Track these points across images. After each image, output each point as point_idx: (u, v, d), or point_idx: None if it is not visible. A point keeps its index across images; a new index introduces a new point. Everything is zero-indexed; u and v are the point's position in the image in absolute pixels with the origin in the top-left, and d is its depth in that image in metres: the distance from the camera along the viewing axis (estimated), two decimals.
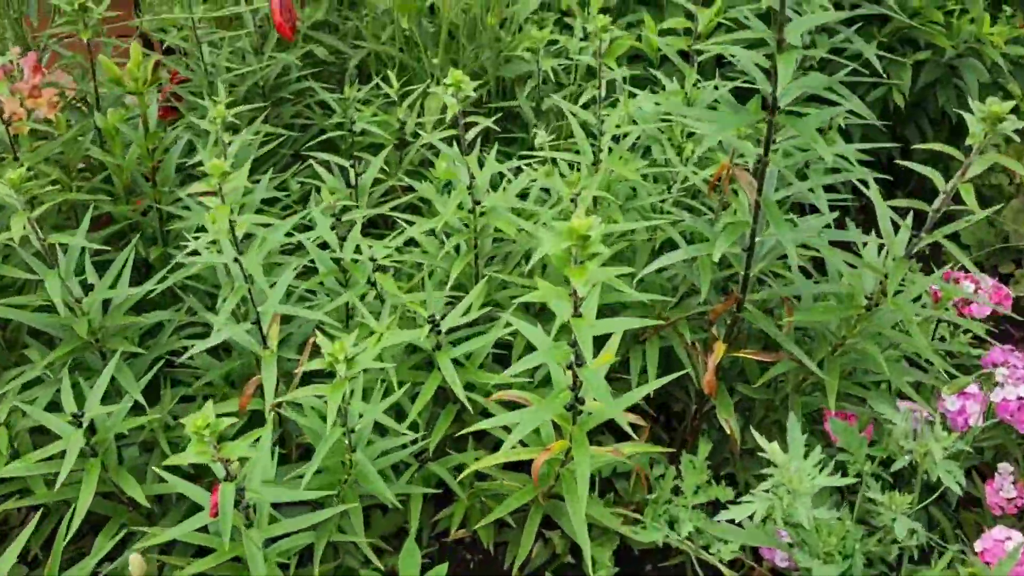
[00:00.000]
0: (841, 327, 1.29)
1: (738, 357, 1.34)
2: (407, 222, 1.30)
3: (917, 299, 1.26)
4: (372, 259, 1.22)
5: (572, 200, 1.18)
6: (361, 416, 1.10)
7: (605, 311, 1.36)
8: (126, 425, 1.18)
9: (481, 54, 1.77)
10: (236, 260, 1.08)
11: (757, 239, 1.18)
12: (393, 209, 1.51)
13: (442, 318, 1.18)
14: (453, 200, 1.22)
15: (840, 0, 1.86)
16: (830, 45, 1.61)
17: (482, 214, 1.30)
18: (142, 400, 1.21)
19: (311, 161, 1.56)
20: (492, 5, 1.72)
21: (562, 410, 1.06)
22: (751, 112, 1.03)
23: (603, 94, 1.26)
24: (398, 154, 1.69)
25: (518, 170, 1.38)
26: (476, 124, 1.27)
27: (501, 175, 1.44)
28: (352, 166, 1.45)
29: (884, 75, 1.90)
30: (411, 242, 1.41)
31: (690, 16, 1.81)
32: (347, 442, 1.08)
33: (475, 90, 1.41)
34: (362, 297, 1.26)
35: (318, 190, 1.49)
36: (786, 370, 1.29)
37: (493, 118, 1.47)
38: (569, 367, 0.98)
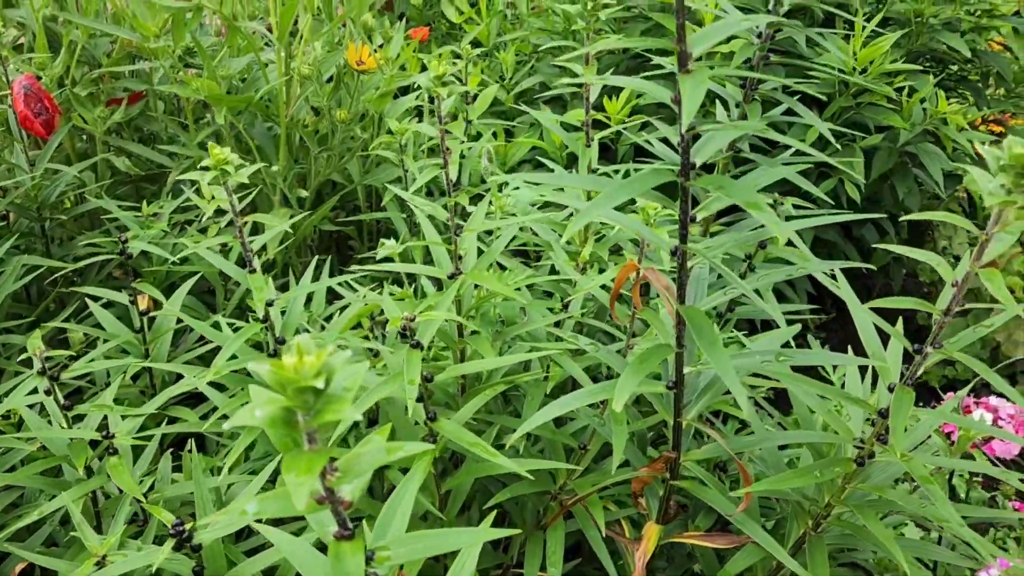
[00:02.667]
0: (822, 491, 0.88)
1: (679, 541, 0.93)
2: (179, 376, 0.88)
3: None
4: (106, 435, 0.79)
5: (403, 333, 0.78)
6: None
7: (479, 485, 0.95)
8: None
9: (334, 159, 1.41)
10: None
11: (687, 370, 0.79)
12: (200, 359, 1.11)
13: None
14: (237, 339, 0.81)
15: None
16: (767, 119, 1.25)
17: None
18: None
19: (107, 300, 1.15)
20: (343, 98, 1.38)
21: None
22: (658, 174, 0.66)
23: (457, 175, 0.89)
24: (225, 288, 1.30)
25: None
26: (264, 226, 0.88)
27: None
28: (132, 302, 1.05)
29: (837, 154, 1.59)
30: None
31: (599, 108, 1.54)
32: None
33: (340, 200, 1.02)
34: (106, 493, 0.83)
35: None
36: (753, 561, 0.87)
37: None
38: None
